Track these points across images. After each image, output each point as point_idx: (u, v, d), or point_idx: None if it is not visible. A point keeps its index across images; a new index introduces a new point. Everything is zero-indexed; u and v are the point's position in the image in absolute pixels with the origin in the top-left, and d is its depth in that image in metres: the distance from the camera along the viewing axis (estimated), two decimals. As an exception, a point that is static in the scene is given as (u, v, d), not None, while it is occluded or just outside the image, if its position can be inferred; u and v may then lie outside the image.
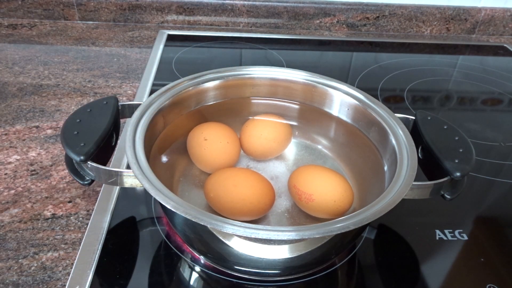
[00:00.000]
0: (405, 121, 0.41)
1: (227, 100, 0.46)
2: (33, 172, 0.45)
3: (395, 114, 0.40)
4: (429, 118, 0.41)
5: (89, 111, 0.39)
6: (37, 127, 0.52)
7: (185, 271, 0.36)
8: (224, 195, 0.36)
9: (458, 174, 0.35)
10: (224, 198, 0.36)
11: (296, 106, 0.47)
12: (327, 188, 0.37)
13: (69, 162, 0.37)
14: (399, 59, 0.78)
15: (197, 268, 0.36)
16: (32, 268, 0.35)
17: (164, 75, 0.66)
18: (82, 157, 0.34)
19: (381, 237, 0.41)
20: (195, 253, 0.37)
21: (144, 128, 0.36)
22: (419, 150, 0.40)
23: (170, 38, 0.79)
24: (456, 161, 0.36)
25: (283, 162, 0.46)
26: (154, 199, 0.30)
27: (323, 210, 0.37)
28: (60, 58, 0.70)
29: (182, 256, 0.37)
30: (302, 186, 0.38)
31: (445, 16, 0.87)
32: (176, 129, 0.43)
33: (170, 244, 0.38)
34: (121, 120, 0.42)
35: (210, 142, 0.41)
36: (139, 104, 0.39)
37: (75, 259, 0.36)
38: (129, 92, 0.61)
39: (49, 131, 0.52)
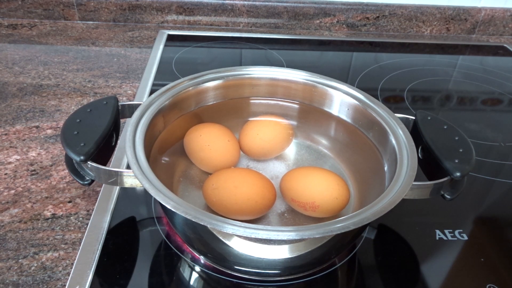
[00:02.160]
0: (405, 121, 0.41)
1: (227, 101, 0.46)
2: (33, 172, 0.45)
3: (395, 114, 0.40)
4: (429, 118, 0.41)
5: (89, 111, 0.39)
6: (37, 127, 0.52)
7: (185, 271, 0.36)
8: (227, 198, 0.36)
9: (458, 174, 0.35)
10: (227, 201, 0.36)
11: (296, 106, 0.47)
12: (324, 190, 0.37)
13: (69, 162, 0.38)
14: (399, 59, 0.78)
15: (197, 268, 0.36)
16: (32, 268, 0.35)
17: (164, 75, 0.66)
18: (82, 157, 0.34)
19: (381, 237, 0.41)
20: (195, 253, 0.37)
21: (144, 128, 0.36)
22: (419, 150, 0.40)
23: (170, 38, 0.79)
24: (456, 161, 0.36)
25: (283, 162, 0.46)
26: (154, 199, 0.30)
27: (329, 211, 0.37)
28: (60, 58, 0.70)
29: (182, 256, 0.37)
30: (300, 197, 0.37)
31: (445, 16, 0.87)
32: (176, 129, 0.43)
33: (170, 244, 0.38)
34: (121, 120, 0.42)
35: (213, 142, 0.41)
36: (139, 104, 0.39)
37: (75, 259, 0.36)
38: (129, 92, 0.61)
39: (49, 131, 0.52)
